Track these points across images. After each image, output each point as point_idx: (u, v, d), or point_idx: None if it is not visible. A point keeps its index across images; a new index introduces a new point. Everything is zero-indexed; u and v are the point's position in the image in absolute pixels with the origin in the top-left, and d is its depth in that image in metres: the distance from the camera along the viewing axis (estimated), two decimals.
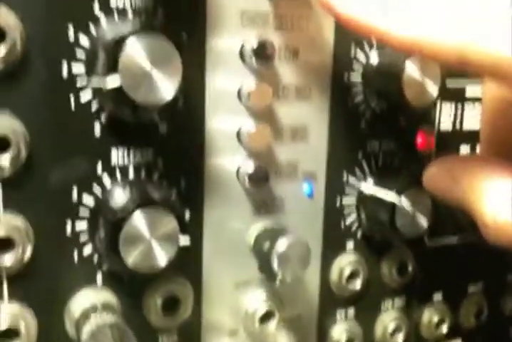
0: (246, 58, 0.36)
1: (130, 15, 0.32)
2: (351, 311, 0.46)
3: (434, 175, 0.36)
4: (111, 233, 0.31)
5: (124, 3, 0.32)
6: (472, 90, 0.47)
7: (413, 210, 0.41)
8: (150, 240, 0.32)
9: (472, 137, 0.48)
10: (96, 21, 0.31)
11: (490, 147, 0.38)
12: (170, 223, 0.32)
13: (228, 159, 0.38)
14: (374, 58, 0.41)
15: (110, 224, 0.31)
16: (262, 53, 0.36)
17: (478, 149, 0.48)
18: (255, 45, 0.36)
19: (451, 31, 0.27)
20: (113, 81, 0.29)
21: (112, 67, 0.29)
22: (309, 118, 0.40)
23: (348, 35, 0.40)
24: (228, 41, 0.36)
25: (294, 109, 0.39)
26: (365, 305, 0.47)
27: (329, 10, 0.32)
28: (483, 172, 0.32)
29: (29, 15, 0.30)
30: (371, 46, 0.41)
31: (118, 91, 0.29)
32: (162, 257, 0.33)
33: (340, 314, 0.46)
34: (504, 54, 0.26)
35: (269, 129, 0.37)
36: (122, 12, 0.32)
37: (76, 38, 0.31)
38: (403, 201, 0.41)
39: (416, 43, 0.28)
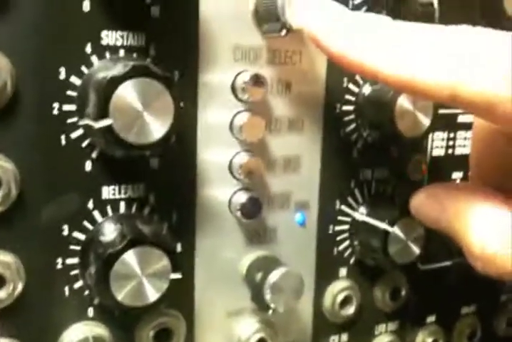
0: (238, 91, 0.36)
1: (122, 52, 0.32)
2: (345, 337, 0.47)
3: (422, 202, 0.36)
4: (102, 269, 0.31)
5: (115, 41, 0.32)
6: (464, 116, 0.48)
7: (406, 238, 0.42)
8: (141, 277, 0.32)
9: (465, 163, 0.48)
10: (87, 59, 0.31)
11: (479, 173, 0.38)
12: (161, 260, 0.32)
13: (220, 191, 0.38)
14: (367, 88, 0.41)
15: (101, 260, 0.31)
16: (254, 86, 0.36)
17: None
18: (247, 78, 0.36)
19: (442, 70, 0.27)
20: (104, 122, 0.29)
21: (103, 107, 0.29)
22: (301, 149, 0.40)
23: (340, 68, 0.40)
24: (220, 76, 0.36)
25: (286, 141, 0.39)
26: (358, 330, 0.47)
27: (320, 47, 0.32)
28: (470, 200, 0.32)
29: (20, 56, 0.30)
30: (363, 78, 0.41)
31: (109, 130, 0.29)
32: (152, 293, 0.33)
33: (334, 340, 0.46)
34: (495, 93, 0.26)
35: (262, 161, 0.37)
36: (114, 50, 0.32)
37: (67, 79, 0.31)
38: (396, 230, 0.41)
39: (407, 81, 0.28)
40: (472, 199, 0.32)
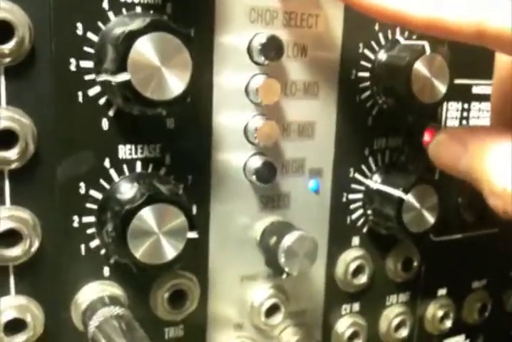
0: (254, 54, 0.36)
1: (138, 9, 0.32)
2: (356, 306, 0.47)
3: (442, 142, 0.36)
4: (120, 226, 0.31)
5: None
6: (478, 87, 0.47)
7: (421, 206, 0.42)
8: (159, 234, 0.32)
9: None
10: (104, 15, 0.31)
11: (500, 117, 0.38)
12: (178, 218, 0.32)
13: (235, 155, 0.38)
14: (382, 55, 0.41)
15: (119, 216, 0.32)
16: (270, 48, 0.36)
17: None
18: (263, 41, 0.36)
19: (468, 7, 0.27)
20: (122, 76, 0.29)
21: (121, 63, 0.29)
22: (316, 115, 0.40)
23: (356, 33, 0.40)
24: (236, 37, 0.36)
25: (301, 105, 0.39)
26: (370, 300, 0.47)
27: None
28: (493, 140, 0.31)
29: (37, 12, 0.30)
30: (379, 44, 0.41)
31: (127, 85, 0.29)
32: (170, 251, 0.33)
33: (345, 309, 0.46)
34: None
35: (277, 125, 0.37)
36: (130, 7, 0.32)
37: (84, 34, 0.31)
38: (411, 197, 0.41)
39: (434, 22, 0.28)
40: (496, 138, 0.31)
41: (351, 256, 0.45)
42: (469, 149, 0.32)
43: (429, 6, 0.28)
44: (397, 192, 0.41)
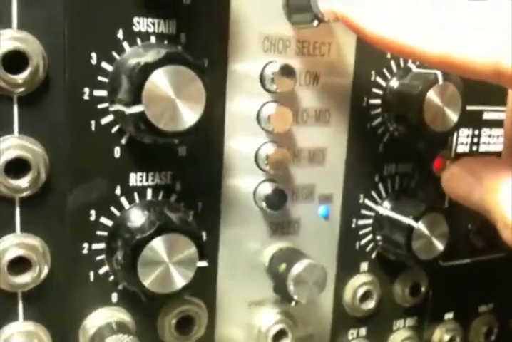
0: (266, 81, 0.36)
1: (153, 39, 0.32)
2: (363, 331, 0.47)
3: (455, 175, 0.36)
4: (130, 255, 0.31)
5: (147, 28, 0.32)
6: (489, 113, 0.47)
7: (430, 234, 0.41)
8: (169, 264, 0.32)
9: None
10: (119, 45, 0.32)
11: None
12: (189, 248, 0.32)
13: (245, 182, 0.38)
14: (394, 82, 0.41)
15: (129, 245, 0.32)
16: (283, 76, 0.36)
17: None
18: (276, 69, 0.36)
19: (485, 46, 0.26)
20: (136, 108, 0.29)
21: (136, 94, 0.29)
22: (327, 141, 0.40)
23: (368, 60, 0.40)
24: (249, 66, 0.36)
25: (312, 132, 0.39)
26: (377, 324, 0.47)
27: (356, 30, 0.31)
28: (507, 173, 0.31)
29: (52, 42, 0.30)
30: (391, 72, 0.41)
31: (141, 116, 0.29)
32: (179, 280, 0.33)
33: (352, 334, 0.46)
34: None
35: (288, 152, 0.37)
36: (145, 36, 0.32)
37: (99, 64, 0.31)
38: (421, 225, 0.41)
39: (448, 59, 0.28)
40: (510, 172, 0.31)
41: (360, 282, 0.44)
42: (483, 183, 0.32)
43: (445, 43, 0.28)
44: (407, 220, 0.41)
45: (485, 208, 0.32)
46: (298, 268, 0.37)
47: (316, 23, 0.34)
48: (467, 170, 0.34)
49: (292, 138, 0.39)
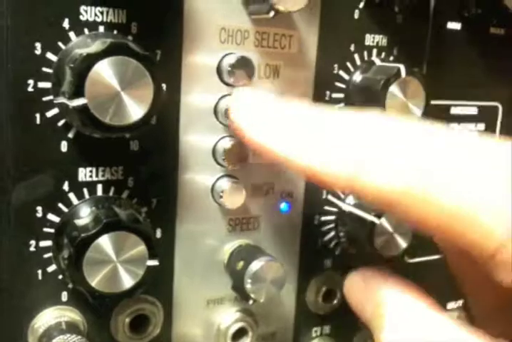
0: (223, 74, 0.35)
1: (101, 29, 0.31)
2: (327, 329, 0.46)
3: (353, 285, 0.34)
4: (75, 254, 0.30)
5: (95, 17, 0.31)
6: (457, 108, 0.47)
7: (393, 231, 0.41)
8: (116, 263, 0.31)
9: None
10: (65, 35, 0.30)
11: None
12: (138, 246, 0.31)
13: (203, 177, 0.37)
14: (357, 76, 0.40)
15: (74, 244, 0.30)
16: (241, 69, 0.35)
17: None
18: (233, 61, 0.34)
19: (341, 163, 0.25)
20: (79, 101, 0.28)
21: (78, 87, 0.28)
22: None
23: (331, 53, 0.39)
24: (205, 57, 0.35)
25: None
26: (342, 322, 0.46)
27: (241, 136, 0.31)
28: (392, 296, 0.29)
29: None
30: (354, 64, 0.40)
31: (84, 109, 0.28)
32: (128, 280, 0.32)
33: (316, 331, 0.46)
34: (386, 186, 0.24)
35: (246, 147, 0.36)
36: (93, 26, 0.31)
37: (43, 54, 0.30)
38: (384, 222, 0.40)
39: (310, 172, 0.27)
40: (392, 293, 0.29)
41: (323, 279, 0.44)
42: (372, 300, 0.30)
43: (305, 156, 0.27)
44: (370, 217, 0.40)
45: (371, 323, 0.29)
46: (255, 266, 0.36)
47: (272, 13, 0.33)
48: (363, 282, 0.32)
49: None
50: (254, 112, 0.31)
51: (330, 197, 0.42)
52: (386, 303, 0.28)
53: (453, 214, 0.22)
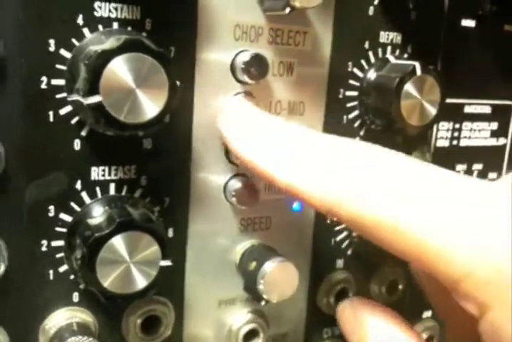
0: (237, 72, 0.34)
1: (115, 25, 0.31)
2: (338, 330, 0.45)
3: (343, 312, 0.34)
4: (88, 254, 0.30)
5: (109, 13, 0.30)
6: (471, 106, 0.46)
7: None
8: (130, 263, 0.31)
9: (469, 155, 0.47)
10: (79, 32, 0.30)
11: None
12: (151, 246, 0.31)
13: (215, 176, 0.36)
14: (372, 74, 0.39)
15: (87, 244, 0.30)
16: (255, 66, 0.34)
17: (474, 167, 0.47)
18: (247, 59, 0.34)
19: (320, 187, 0.26)
20: (93, 98, 0.27)
21: (93, 84, 0.27)
22: None
23: (345, 51, 0.38)
24: (219, 54, 0.34)
25: None
26: None
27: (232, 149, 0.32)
28: (376, 330, 0.30)
29: (8, 26, 0.28)
30: (368, 62, 0.39)
31: (99, 107, 0.28)
32: (141, 280, 0.31)
33: (327, 333, 0.45)
34: (360, 215, 0.25)
35: None
36: (107, 22, 0.30)
37: (57, 51, 0.30)
38: None
39: (292, 191, 0.28)
40: (377, 326, 0.30)
41: (335, 279, 0.43)
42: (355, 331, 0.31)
43: (290, 175, 0.28)
44: None
45: None
46: (268, 266, 0.36)
47: (288, 10, 0.32)
48: (353, 311, 0.33)
49: None
50: (241, 125, 0.32)
51: None
52: (370, 337, 0.30)
53: (421, 244, 0.23)
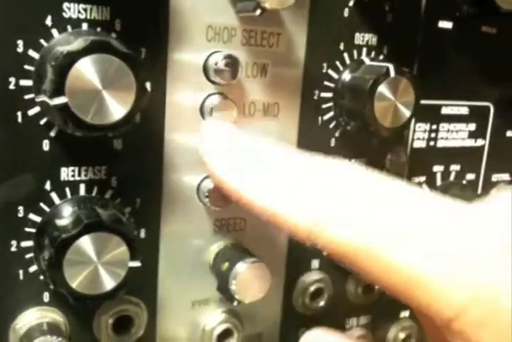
0: (210, 73, 0.34)
1: (84, 26, 0.31)
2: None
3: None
4: (55, 255, 0.30)
5: (78, 14, 0.30)
6: (448, 108, 0.46)
7: None
8: (97, 264, 0.31)
9: (447, 156, 0.47)
10: (47, 32, 0.30)
11: None
12: (119, 247, 0.31)
13: (188, 176, 0.36)
14: (346, 75, 0.39)
15: (54, 245, 0.30)
16: (227, 67, 0.34)
17: (451, 168, 0.47)
18: (220, 60, 0.34)
19: (301, 213, 0.25)
20: (59, 99, 0.27)
21: (59, 85, 0.27)
22: (276, 136, 0.39)
23: (320, 52, 0.38)
24: (192, 56, 0.34)
25: (260, 126, 0.38)
26: (329, 323, 0.46)
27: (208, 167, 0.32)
28: None
29: None
30: (343, 63, 0.39)
31: (65, 108, 0.28)
32: (109, 281, 0.31)
33: (302, 333, 0.45)
34: (341, 243, 0.23)
35: None
36: (76, 23, 0.30)
37: (25, 52, 0.29)
38: None
39: (270, 215, 0.27)
40: None
41: (310, 279, 0.43)
42: None
43: (266, 196, 0.27)
44: None
45: None
46: (240, 267, 0.36)
47: (258, 11, 0.32)
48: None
49: None
50: (219, 148, 0.31)
51: None
52: None
53: (409, 276, 0.21)
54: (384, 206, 0.23)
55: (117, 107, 0.29)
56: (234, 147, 0.31)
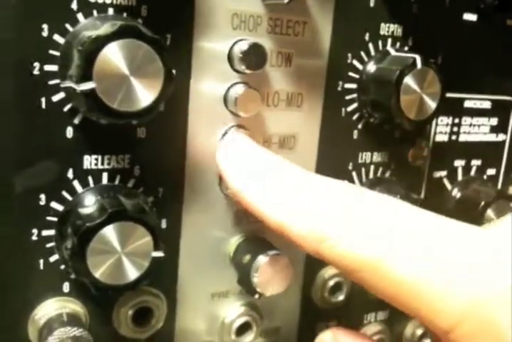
0: (234, 61, 0.34)
1: (111, 11, 0.30)
2: (333, 324, 0.45)
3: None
4: (78, 244, 0.29)
5: None
6: (471, 101, 0.46)
7: None
8: (121, 254, 0.30)
9: (468, 150, 0.47)
10: (73, 17, 0.29)
11: None
12: (143, 237, 0.30)
13: (210, 166, 0.36)
14: (371, 66, 0.39)
15: (78, 233, 0.29)
16: (252, 56, 0.33)
17: (472, 163, 0.47)
18: (245, 49, 0.33)
19: (311, 226, 0.26)
20: (86, 85, 0.27)
21: (86, 70, 0.27)
22: (299, 127, 0.38)
23: (345, 42, 0.38)
24: (216, 43, 0.34)
25: (283, 117, 0.37)
26: (347, 318, 0.46)
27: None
28: None
29: (0, 12, 0.28)
30: (368, 54, 0.39)
31: (92, 94, 0.27)
32: (132, 272, 0.31)
33: (321, 327, 0.45)
34: (346, 257, 0.25)
35: (256, 137, 0.35)
36: (102, 8, 0.30)
37: (50, 36, 0.29)
38: None
39: (282, 229, 0.28)
40: None
41: (330, 273, 0.43)
42: None
43: (281, 212, 0.28)
44: None
45: None
46: (262, 259, 0.35)
47: (286, 0, 0.31)
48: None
49: (261, 123, 0.36)
50: (238, 161, 0.32)
51: None
52: None
53: (409, 289, 0.22)
54: (387, 221, 0.25)
55: (144, 94, 0.28)
56: (254, 165, 0.31)
